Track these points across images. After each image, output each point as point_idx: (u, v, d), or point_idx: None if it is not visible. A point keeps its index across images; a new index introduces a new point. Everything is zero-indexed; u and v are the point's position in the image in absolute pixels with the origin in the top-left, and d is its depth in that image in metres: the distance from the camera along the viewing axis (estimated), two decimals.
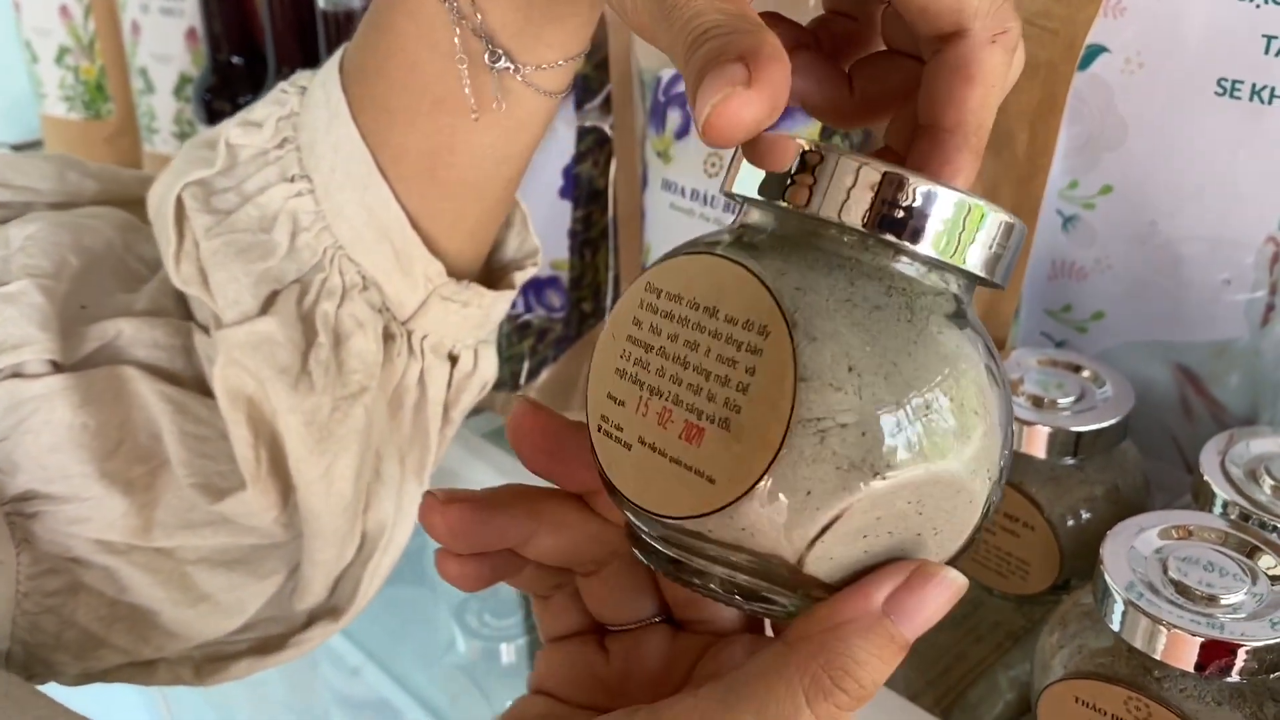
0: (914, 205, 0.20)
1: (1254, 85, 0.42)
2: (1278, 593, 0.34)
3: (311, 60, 0.67)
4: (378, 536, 0.39)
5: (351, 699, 0.83)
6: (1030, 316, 0.52)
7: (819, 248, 0.21)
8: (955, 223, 0.21)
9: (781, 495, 0.20)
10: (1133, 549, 0.36)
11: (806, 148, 0.21)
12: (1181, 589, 0.34)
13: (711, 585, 0.22)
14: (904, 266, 0.21)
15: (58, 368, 0.36)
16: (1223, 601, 0.34)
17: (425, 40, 0.32)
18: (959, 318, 0.21)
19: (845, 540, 0.21)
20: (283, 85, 0.37)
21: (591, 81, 0.55)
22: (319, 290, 0.36)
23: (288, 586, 0.40)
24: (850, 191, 0.21)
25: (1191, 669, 0.33)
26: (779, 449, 0.20)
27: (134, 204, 0.41)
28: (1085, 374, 0.45)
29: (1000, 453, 0.22)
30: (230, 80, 0.74)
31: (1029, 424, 0.43)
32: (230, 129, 0.37)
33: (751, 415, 0.20)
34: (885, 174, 0.20)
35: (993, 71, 0.23)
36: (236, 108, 0.73)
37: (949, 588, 0.21)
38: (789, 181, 0.21)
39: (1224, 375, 0.47)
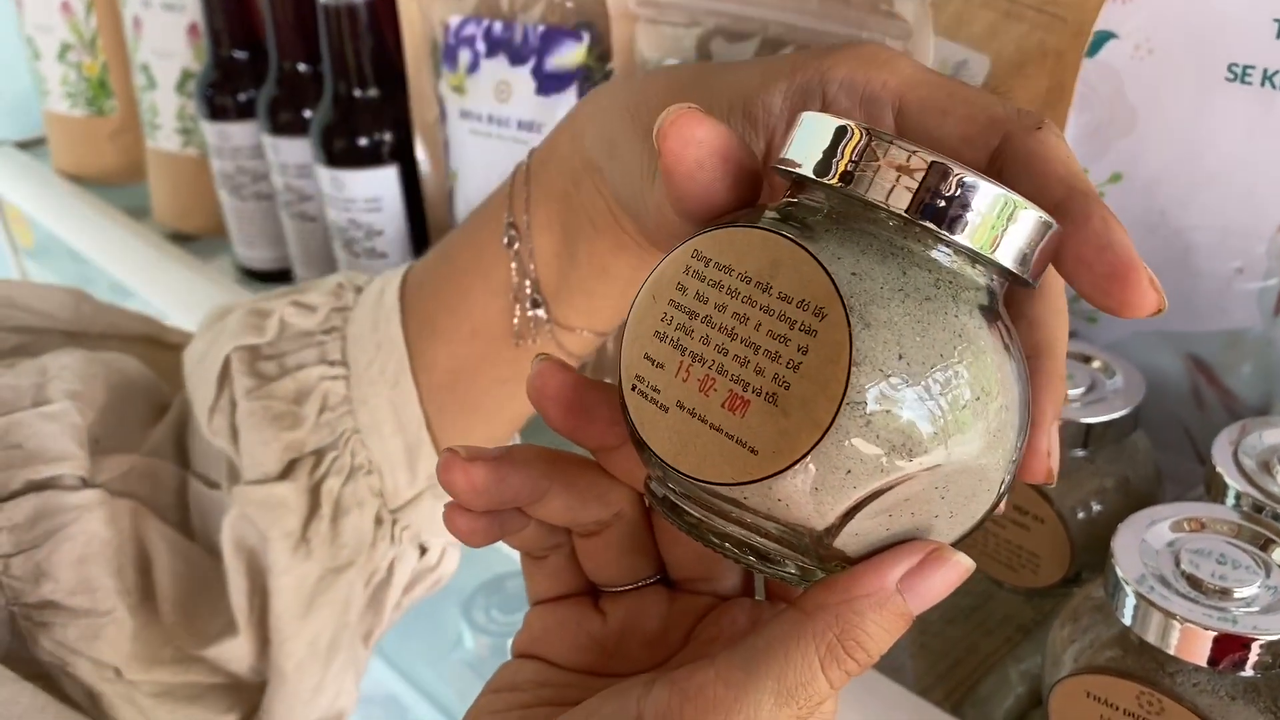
0: (963, 196, 0.21)
1: (1265, 71, 0.41)
2: None
3: (313, 55, 0.67)
4: (332, 699, 0.42)
5: (359, 695, 0.83)
6: None
7: (871, 234, 0.22)
8: (999, 218, 0.21)
9: (822, 472, 0.21)
10: (1144, 542, 0.35)
11: (860, 132, 0.21)
12: (1194, 582, 0.34)
13: (728, 546, 0.23)
14: (946, 259, 0.22)
15: (87, 486, 0.38)
16: (1236, 595, 0.33)
17: (480, 274, 0.37)
18: (994, 313, 0.22)
19: (872, 518, 0.21)
20: (340, 280, 0.42)
21: (595, 73, 0.54)
22: (330, 466, 0.39)
23: None
24: (905, 179, 0.21)
25: (1205, 663, 0.32)
26: (827, 428, 0.20)
27: (135, 340, 0.46)
28: (1096, 365, 0.45)
29: (1018, 448, 0.23)
30: (232, 75, 0.74)
31: None
32: (285, 306, 0.41)
33: (801, 393, 0.20)
34: (934, 163, 0.21)
35: (1054, 143, 0.24)
36: (238, 103, 0.73)
37: (958, 570, 0.22)
38: (844, 164, 0.22)
39: (1236, 365, 0.46)
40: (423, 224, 0.66)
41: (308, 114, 0.67)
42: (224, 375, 0.40)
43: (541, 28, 0.55)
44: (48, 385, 0.39)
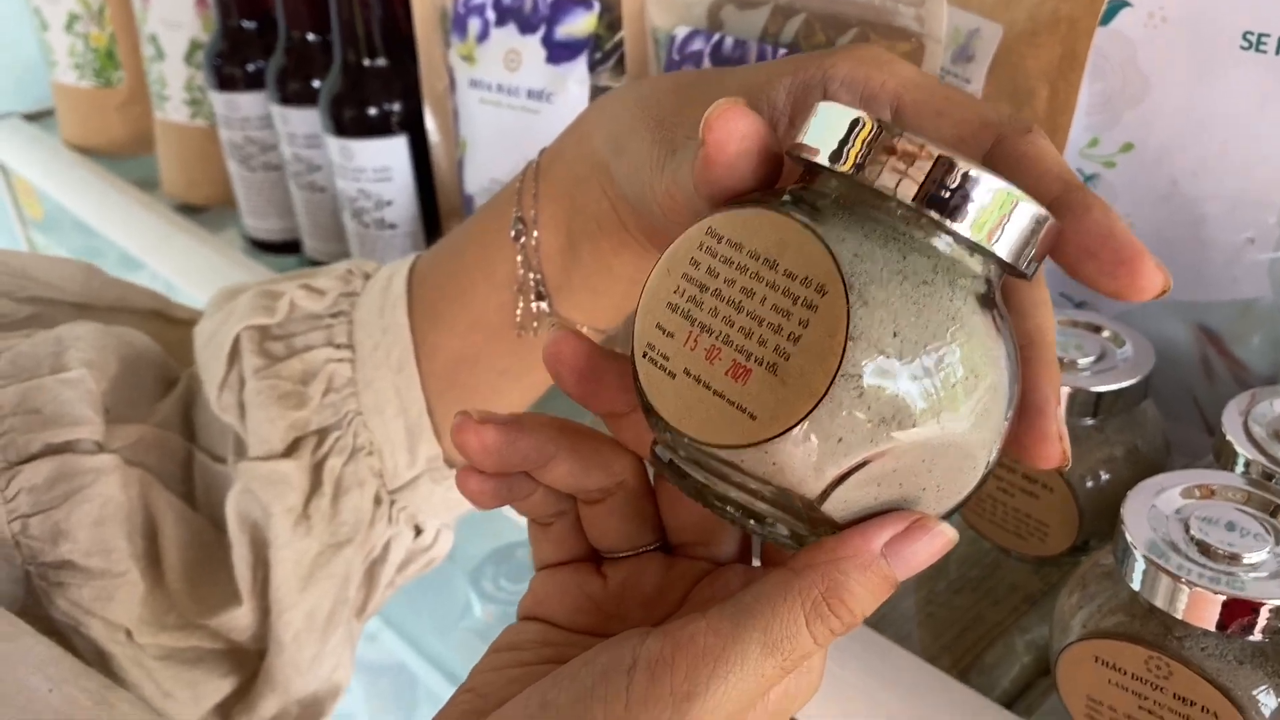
0: (966, 188, 0.22)
1: None
2: None
3: (322, 24, 0.67)
4: (329, 671, 0.43)
5: (368, 664, 0.84)
6: (1050, 277, 0.51)
7: (876, 219, 0.23)
8: (999, 210, 0.23)
9: (815, 439, 0.22)
10: (1154, 508, 0.35)
11: (872, 123, 0.23)
12: (1203, 548, 0.34)
13: (729, 509, 0.24)
14: (946, 247, 0.23)
15: (102, 451, 0.39)
16: (1245, 560, 0.33)
17: (485, 267, 0.39)
18: (989, 300, 0.23)
19: (861, 486, 0.23)
20: (350, 266, 0.44)
21: (604, 41, 0.54)
22: (332, 445, 0.40)
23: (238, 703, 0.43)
24: (910, 169, 0.22)
25: (1213, 628, 0.33)
26: (821, 397, 0.21)
27: (144, 315, 0.47)
28: (1105, 334, 0.45)
29: (1004, 429, 0.24)
30: (241, 45, 0.73)
31: None
32: (295, 289, 0.42)
33: (799, 364, 0.22)
34: (940, 157, 0.22)
35: (1045, 144, 0.26)
36: (247, 73, 0.73)
37: (940, 540, 0.23)
38: (856, 153, 0.23)
39: (1246, 335, 0.46)
40: (432, 194, 0.66)
41: (316, 84, 0.67)
42: (234, 353, 0.41)
43: None
44: (64, 353, 0.40)
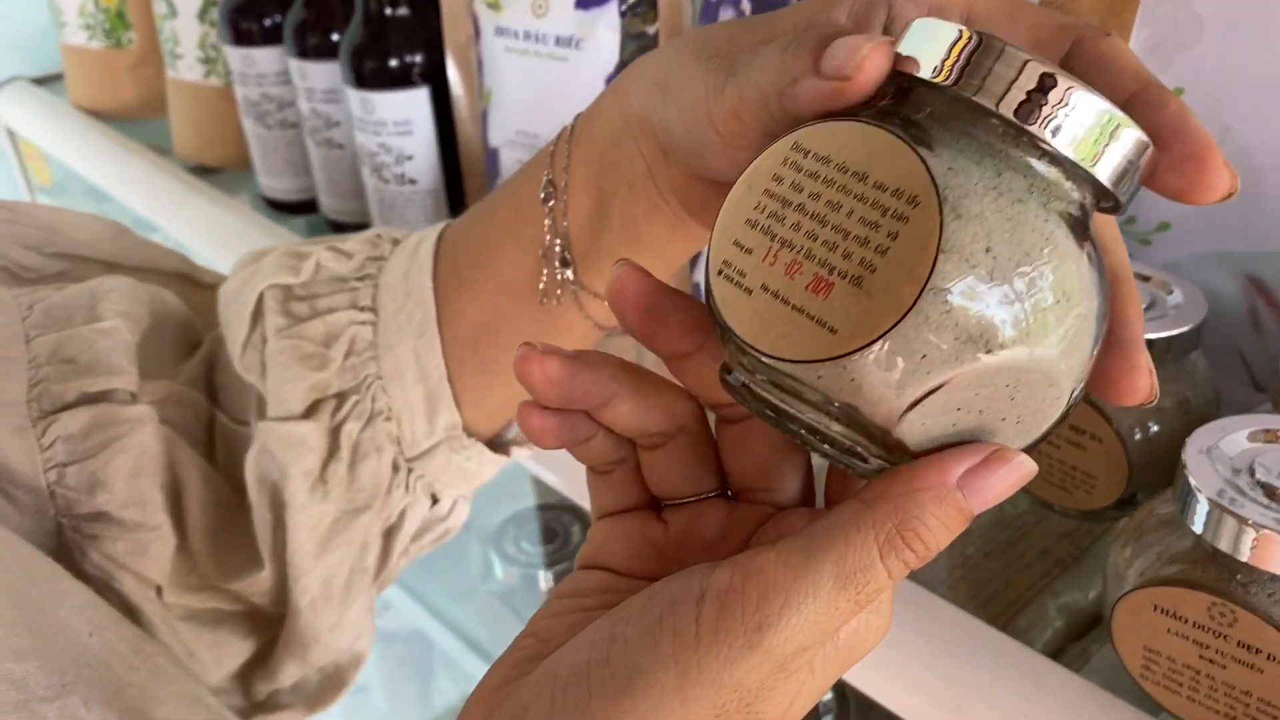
0: (1069, 108, 0.22)
1: None
2: None
3: None
4: (350, 641, 0.43)
5: (381, 631, 0.83)
6: None
7: (971, 134, 0.22)
8: (1101, 133, 0.22)
9: (898, 355, 0.21)
10: (1217, 450, 0.34)
11: (971, 37, 0.22)
12: (1270, 491, 0.33)
13: (803, 431, 0.24)
14: (1042, 167, 0.22)
15: (136, 402, 0.39)
16: None
17: (513, 231, 0.38)
18: (1083, 226, 0.23)
19: (939, 411, 0.22)
20: (379, 231, 0.43)
21: None
22: (350, 409, 0.40)
23: (259, 667, 0.43)
24: (1012, 84, 0.22)
25: (1279, 572, 0.32)
26: (907, 311, 0.21)
27: (170, 276, 0.46)
28: (1153, 282, 0.44)
29: (1091, 360, 0.23)
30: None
31: None
32: (321, 251, 0.42)
33: (886, 276, 0.21)
34: (1044, 74, 0.22)
35: (1123, 47, 0.25)
36: (264, 28, 0.72)
37: (1019, 472, 0.22)
38: (956, 66, 0.22)
39: None
40: (454, 148, 0.65)
41: (336, 37, 0.66)
42: (257, 312, 0.41)
43: None
44: (98, 304, 0.40)
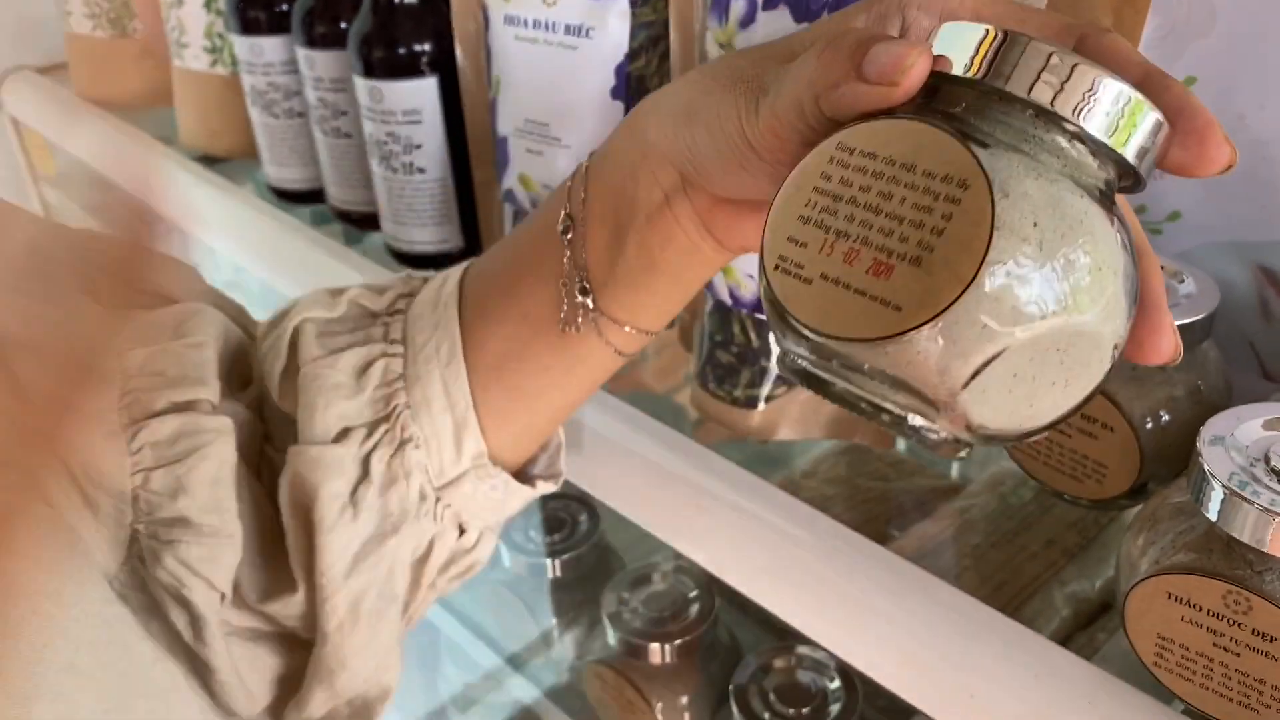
0: (1096, 93, 0.24)
1: None
2: None
3: None
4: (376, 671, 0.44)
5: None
6: None
7: (1006, 123, 0.25)
8: (1126, 116, 0.25)
9: (961, 325, 0.23)
10: (1233, 437, 0.34)
11: (998, 34, 0.25)
12: None
13: (867, 408, 0.26)
14: (1073, 149, 0.25)
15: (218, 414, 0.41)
16: None
17: (533, 263, 0.40)
18: (1111, 202, 0.25)
19: (998, 378, 0.24)
20: (409, 274, 0.46)
21: None
22: (381, 437, 0.42)
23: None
24: (1040, 74, 0.24)
25: None
26: (969, 284, 0.23)
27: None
28: (1165, 271, 0.44)
29: (1128, 326, 0.26)
30: None
31: None
32: (357, 290, 0.45)
33: (945, 253, 0.23)
34: (1075, 65, 0.24)
35: (1126, 42, 0.28)
36: (273, 15, 0.72)
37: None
38: (986, 61, 0.25)
39: None
40: (463, 137, 0.65)
41: (344, 26, 0.66)
42: (293, 344, 0.43)
43: None
44: (187, 322, 0.42)
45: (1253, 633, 0.33)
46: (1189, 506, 0.35)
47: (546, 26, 0.56)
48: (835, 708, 0.66)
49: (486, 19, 0.60)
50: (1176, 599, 0.35)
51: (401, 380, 0.42)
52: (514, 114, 0.60)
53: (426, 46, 0.62)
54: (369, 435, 0.42)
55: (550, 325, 0.40)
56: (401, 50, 0.62)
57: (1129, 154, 0.25)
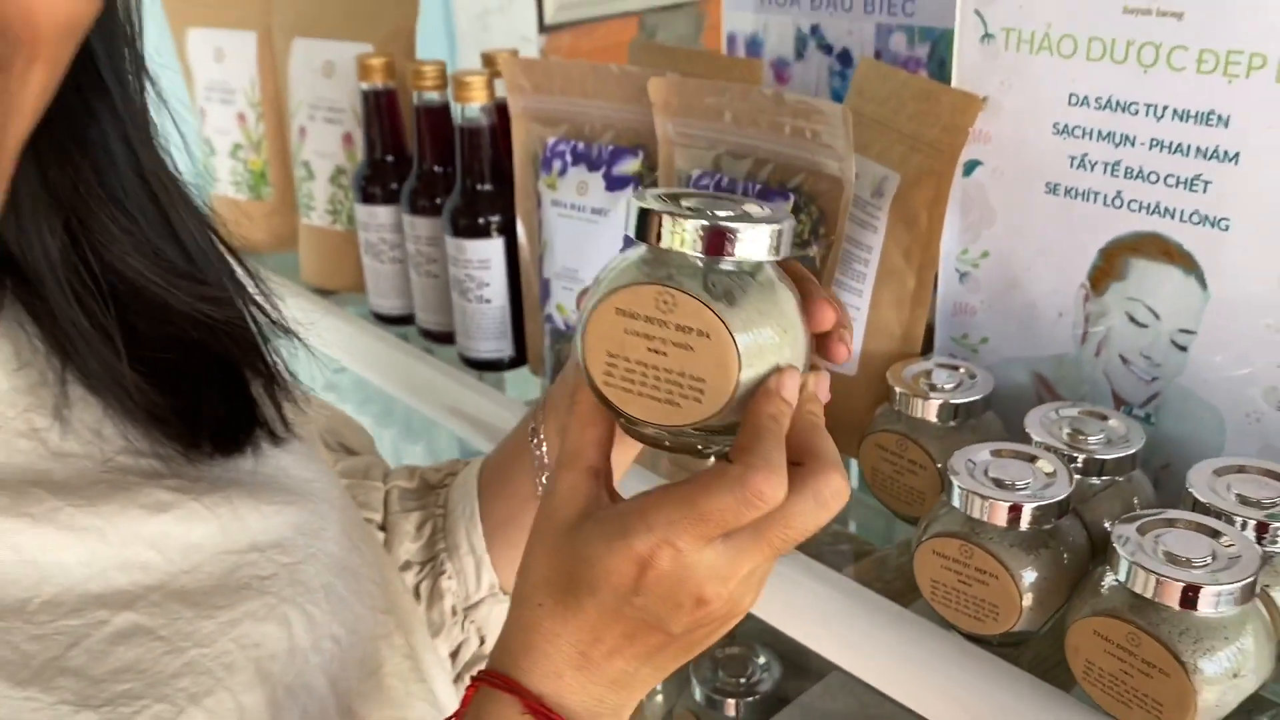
0: (738, 238, 0.39)
1: (1066, 187, 0.66)
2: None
3: (445, 159, 0.91)
4: None
5: None
6: (941, 341, 0.75)
7: (685, 263, 0.40)
8: (767, 237, 0.39)
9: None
10: (970, 461, 0.59)
11: (660, 213, 0.39)
12: (998, 482, 0.57)
13: (674, 445, 0.44)
14: (733, 265, 0.40)
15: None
16: (1015, 483, 0.57)
17: (517, 458, 0.61)
18: (776, 273, 0.41)
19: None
20: (457, 459, 0.70)
21: (645, 177, 0.79)
22: (428, 570, 0.63)
23: None
24: (697, 234, 0.39)
25: (1004, 524, 0.56)
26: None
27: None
28: (962, 370, 0.69)
29: (805, 337, 0.43)
30: (381, 173, 0.96)
31: (927, 399, 0.66)
32: (426, 468, 0.69)
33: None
34: (709, 228, 0.39)
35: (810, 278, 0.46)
36: (387, 192, 1.00)
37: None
38: (658, 232, 0.40)
39: (1062, 377, 0.70)
40: (518, 279, 0.89)
41: (439, 201, 0.93)
42: (386, 500, 0.66)
43: (610, 146, 0.80)
44: (370, 469, 0.67)
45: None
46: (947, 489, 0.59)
47: (580, 209, 0.82)
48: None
49: (539, 201, 0.86)
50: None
51: (443, 533, 0.62)
52: (554, 264, 0.85)
53: (496, 218, 0.87)
54: (421, 568, 0.61)
55: (532, 495, 0.59)
56: (480, 220, 0.88)
57: (779, 253, 0.40)
